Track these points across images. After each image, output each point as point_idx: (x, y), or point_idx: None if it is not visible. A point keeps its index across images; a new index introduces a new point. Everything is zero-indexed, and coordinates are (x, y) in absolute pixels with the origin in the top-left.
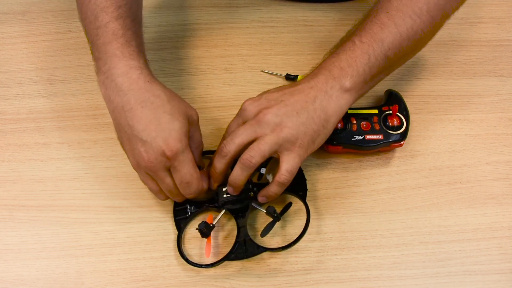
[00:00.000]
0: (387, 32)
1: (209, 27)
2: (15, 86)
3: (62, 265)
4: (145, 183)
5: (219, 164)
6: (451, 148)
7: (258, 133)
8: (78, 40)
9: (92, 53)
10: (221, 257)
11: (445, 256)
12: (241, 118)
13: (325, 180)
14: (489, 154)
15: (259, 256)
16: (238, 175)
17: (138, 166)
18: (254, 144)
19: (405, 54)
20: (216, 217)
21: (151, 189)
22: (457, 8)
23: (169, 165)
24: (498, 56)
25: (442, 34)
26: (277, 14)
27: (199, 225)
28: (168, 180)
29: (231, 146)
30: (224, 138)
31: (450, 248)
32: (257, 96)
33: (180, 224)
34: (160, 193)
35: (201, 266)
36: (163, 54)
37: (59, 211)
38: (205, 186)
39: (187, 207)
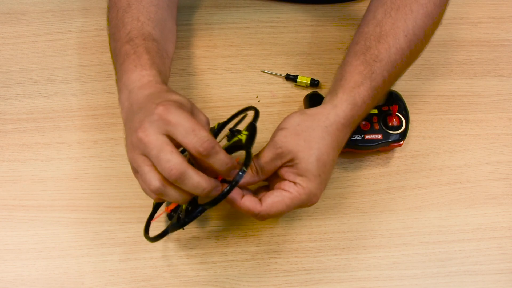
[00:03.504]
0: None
1: (209, 27)
2: (15, 86)
3: (62, 265)
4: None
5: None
6: (451, 148)
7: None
8: (78, 40)
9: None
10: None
11: (445, 256)
12: (299, 198)
13: None
14: (489, 154)
15: (259, 256)
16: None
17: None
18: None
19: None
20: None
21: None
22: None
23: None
24: (498, 56)
25: (442, 34)
26: (277, 14)
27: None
28: (146, 170)
29: (264, 217)
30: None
31: (450, 248)
32: (318, 168)
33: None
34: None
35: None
36: None
37: (59, 211)
38: (203, 183)
39: None
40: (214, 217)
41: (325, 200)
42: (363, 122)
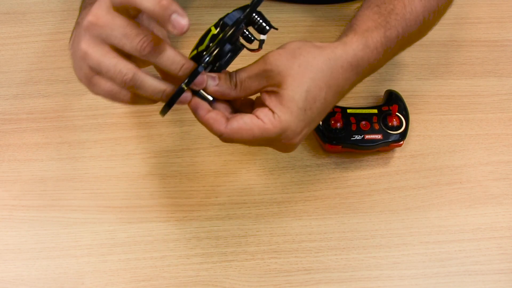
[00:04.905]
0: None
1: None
2: (15, 86)
3: (62, 265)
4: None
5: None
6: (451, 148)
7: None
8: None
9: None
10: None
11: (445, 256)
12: (271, 131)
13: (325, 180)
14: (489, 154)
15: (259, 256)
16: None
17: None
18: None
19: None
20: None
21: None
22: None
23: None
24: (498, 56)
25: (442, 34)
26: (277, 14)
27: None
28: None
29: (227, 141)
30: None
31: (450, 248)
32: (304, 104)
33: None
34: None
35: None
36: None
37: (59, 211)
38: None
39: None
40: (214, 217)
41: (325, 200)
42: (363, 122)
